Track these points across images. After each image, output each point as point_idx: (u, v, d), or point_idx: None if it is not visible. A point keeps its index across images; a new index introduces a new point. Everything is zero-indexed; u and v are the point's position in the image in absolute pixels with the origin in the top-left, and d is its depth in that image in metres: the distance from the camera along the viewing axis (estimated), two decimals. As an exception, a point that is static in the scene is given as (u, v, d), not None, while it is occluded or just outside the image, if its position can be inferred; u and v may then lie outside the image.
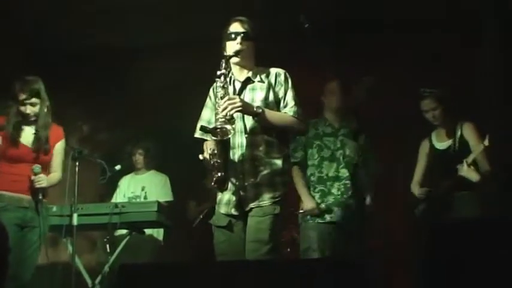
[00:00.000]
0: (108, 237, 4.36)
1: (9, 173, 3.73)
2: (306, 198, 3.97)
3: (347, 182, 3.95)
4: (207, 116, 3.20)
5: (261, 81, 3.14)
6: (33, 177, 3.72)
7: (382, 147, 4.66)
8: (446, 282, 2.15)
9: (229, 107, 2.90)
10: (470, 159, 3.93)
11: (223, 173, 2.96)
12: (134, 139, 5.42)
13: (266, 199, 3.00)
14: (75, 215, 4.06)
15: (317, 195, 3.97)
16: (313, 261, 3.16)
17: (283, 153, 3.11)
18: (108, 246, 4.37)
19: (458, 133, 4.11)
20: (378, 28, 5.13)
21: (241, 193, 3.03)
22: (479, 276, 2.19)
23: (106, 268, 4.36)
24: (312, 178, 4.05)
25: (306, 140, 4.08)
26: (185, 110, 5.13)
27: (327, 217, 3.94)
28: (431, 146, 4.26)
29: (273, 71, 3.18)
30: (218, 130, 2.90)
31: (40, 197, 3.73)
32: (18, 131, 3.76)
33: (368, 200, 4.04)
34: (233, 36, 3.09)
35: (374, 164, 4.10)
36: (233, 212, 3.06)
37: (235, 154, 3.04)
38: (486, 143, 3.85)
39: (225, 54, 3.09)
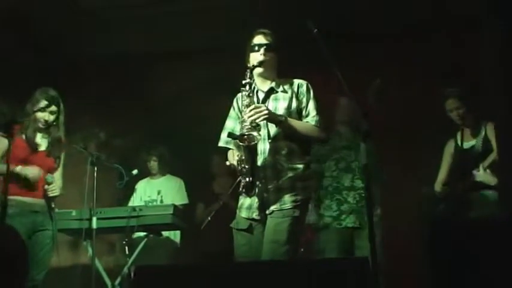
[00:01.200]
0: (126, 239, 4.46)
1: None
2: None
3: (362, 191, 4.12)
4: (231, 126, 3.29)
5: (284, 91, 3.24)
6: (46, 187, 3.81)
7: (392, 148, 4.71)
8: (454, 281, 2.21)
9: (256, 115, 3.00)
10: (487, 162, 3.97)
11: (251, 178, 3.06)
12: (148, 145, 5.49)
13: (287, 202, 3.07)
14: (94, 219, 4.18)
15: (334, 204, 4.18)
16: (328, 261, 3.22)
17: (305, 160, 3.21)
18: (126, 248, 4.47)
19: (483, 133, 4.12)
20: (388, 32, 5.17)
21: (264, 195, 3.10)
22: (488, 275, 2.23)
23: (125, 270, 4.46)
24: (329, 188, 4.26)
25: (322, 153, 4.25)
26: (195, 115, 5.25)
27: (343, 223, 4.15)
28: (456, 146, 4.27)
29: (296, 81, 3.28)
30: (245, 137, 3.00)
31: (53, 205, 3.85)
32: (34, 137, 3.86)
33: (378, 211, 4.17)
34: (256, 48, 3.20)
35: (380, 173, 4.17)
36: (255, 216, 3.14)
37: (259, 160, 3.12)
38: None
39: (248, 65, 3.20)
